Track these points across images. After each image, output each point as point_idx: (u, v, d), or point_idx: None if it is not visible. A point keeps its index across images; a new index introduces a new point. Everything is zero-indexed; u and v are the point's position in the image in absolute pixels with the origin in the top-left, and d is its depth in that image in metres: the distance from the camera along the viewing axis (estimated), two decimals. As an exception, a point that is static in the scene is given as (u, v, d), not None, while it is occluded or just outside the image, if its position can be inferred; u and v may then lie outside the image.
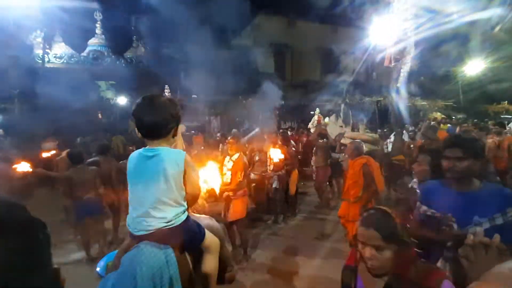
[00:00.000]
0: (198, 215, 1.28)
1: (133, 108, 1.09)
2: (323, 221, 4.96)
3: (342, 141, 5.25)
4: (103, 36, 13.42)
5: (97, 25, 13.47)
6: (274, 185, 4.69)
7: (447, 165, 1.48)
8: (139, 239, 1.07)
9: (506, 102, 16.98)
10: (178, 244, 1.08)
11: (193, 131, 9.85)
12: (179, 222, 1.07)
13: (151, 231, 1.04)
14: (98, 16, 13.35)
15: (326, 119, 7.23)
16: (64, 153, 4.65)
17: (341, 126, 5.61)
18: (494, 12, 12.03)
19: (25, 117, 9.90)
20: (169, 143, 1.13)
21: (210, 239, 1.17)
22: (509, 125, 9.60)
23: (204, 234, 1.15)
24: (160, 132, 1.09)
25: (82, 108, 11.14)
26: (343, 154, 5.03)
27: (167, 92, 5.50)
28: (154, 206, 1.04)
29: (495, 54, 15.71)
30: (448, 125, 10.18)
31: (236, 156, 3.56)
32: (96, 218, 3.76)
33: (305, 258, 3.71)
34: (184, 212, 1.11)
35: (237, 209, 3.44)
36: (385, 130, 7.62)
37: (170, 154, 1.07)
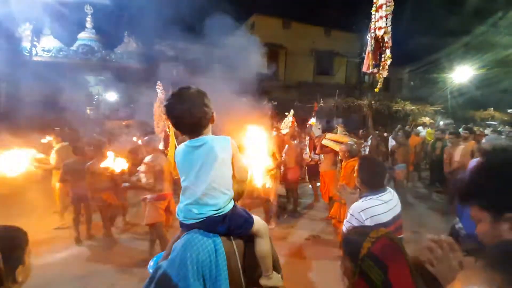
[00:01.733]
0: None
1: (166, 110, 1.09)
2: (313, 222, 4.98)
3: (323, 142, 5.24)
4: (93, 30, 13.11)
5: (88, 19, 13.17)
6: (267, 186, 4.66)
7: None
8: (189, 227, 1.10)
9: (492, 108, 17.48)
10: (227, 232, 1.10)
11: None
12: (228, 210, 1.10)
13: (201, 220, 1.06)
14: (89, 9, 13.05)
15: (312, 120, 7.36)
16: (65, 143, 5.00)
17: (319, 128, 5.72)
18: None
19: (11, 111, 9.58)
20: (210, 131, 1.14)
21: (259, 223, 1.18)
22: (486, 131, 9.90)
23: (253, 219, 1.17)
24: (202, 128, 1.10)
25: (69, 103, 10.87)
26: (322, 156, 5.06)
27: (159, 89, 5.40)
28: (206, 192, 1.06)
29: (481, 61, 16.21)
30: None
31: (148, 158, 3.46)
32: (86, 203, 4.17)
33: (297, 260, 3.71)
34: (231, 199, 1.14)
35: (148, 214, 3.38)
36: (360, 132, 7.81)
37: (218, 140, 1.09)
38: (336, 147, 4.62)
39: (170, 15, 10.43)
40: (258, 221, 1.18)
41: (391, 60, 3.88)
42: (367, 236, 0.96)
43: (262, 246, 1.16)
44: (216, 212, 1.07)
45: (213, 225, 1.07)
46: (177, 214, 1.13)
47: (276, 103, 13.47)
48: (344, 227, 1.89)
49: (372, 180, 1.92)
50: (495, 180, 0.82)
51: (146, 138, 3.94)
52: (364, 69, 4.43)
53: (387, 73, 4.04)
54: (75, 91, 11.09)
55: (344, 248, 1.03)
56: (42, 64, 11.59)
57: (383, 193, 1.88)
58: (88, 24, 13.20)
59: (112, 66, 12.42)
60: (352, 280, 0.96)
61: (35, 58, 11.95)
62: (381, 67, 3.93)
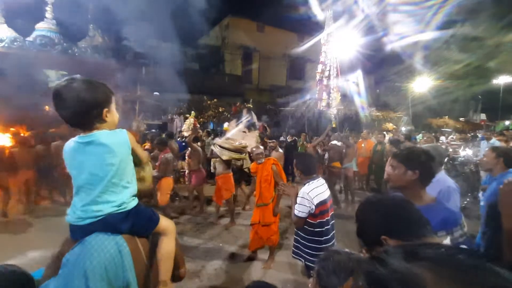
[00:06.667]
0: None
1: (53, 102, 1.00)
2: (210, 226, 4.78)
3: (212, 147, 5.12)
4: (54, 21, 12.13)
5: (48, 8, 12.17)
6: None
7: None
8: (85, 230, 0.97)
9: (447, 116, 19.12)
10: (130, 231, 1.01)
11: (153, 130, 9.41)
12: (132, 206, 1.03)
13: (101, 217, 0.97)
14: (50, -2, 12.05)
15: (225, 125, 7.11)
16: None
17: (244, 132, 5.69)
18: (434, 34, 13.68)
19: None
20: (103, 127, 1.03)
21: (166, 221, 1.14)
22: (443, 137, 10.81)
23: (158, 217, 1.12)
24: (82, 123, 1.01)
25: (25, 99, 9.98)
26: (216, 159, 4.95)
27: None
28: (106, 189, 0.98)
29: (437, 72, 17.71)
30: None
31: None
32: None
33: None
34: (135, 197, 1.08)
35: None
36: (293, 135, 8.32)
37: (112, 135, 1.02)
38: (222, 153, 4.58)
39: (142, 12, 10.03)
40: (165, 219, 1.14)
41: (326, 101, 4.16)
42: (352, 274, 0.88)
43: (167, 245, 1.10)
44: (118, 208, 0.99)
45: (115, 223, 0.98)
46: (69, 218, 1.00)
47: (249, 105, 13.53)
48: (297, 211, 2.26)
49: (309, 169, 2.42)
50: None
51: None
52: (318, 106, 4.81)
53: (332, 111, 4.32)
54: (31, 85, 10.19)
55: (318, 274, 0.95)
56: (-7, 54, 10.48)
57: (318, 179, 2.40)
58: (48, 14, 12.21)
59: (75, 61, 11.61)
60: None
61: (-16, 48, 10.78)
62: (327, 106, 4.24)
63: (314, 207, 2.23)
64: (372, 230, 0.98)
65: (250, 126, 5.88)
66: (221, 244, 4.09)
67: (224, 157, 4.67)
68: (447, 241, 0.97)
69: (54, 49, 11.59)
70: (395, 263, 0.41)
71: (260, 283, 1.49)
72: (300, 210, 2.25)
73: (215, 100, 13.60)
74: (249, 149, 4.53)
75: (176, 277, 1.26)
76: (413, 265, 0.39)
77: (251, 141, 5.09)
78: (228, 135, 5.17)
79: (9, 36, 11.49)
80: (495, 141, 6.90)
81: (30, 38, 11.58)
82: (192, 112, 6.65)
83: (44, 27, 12.07)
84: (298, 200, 2.27)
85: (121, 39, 11.76)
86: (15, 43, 11.42)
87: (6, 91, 8.21)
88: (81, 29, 12.57)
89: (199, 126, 6.42)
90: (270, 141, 5.01)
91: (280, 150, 5.03)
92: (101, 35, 12.40)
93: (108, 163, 0.99)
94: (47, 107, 11.77)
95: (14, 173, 4.97)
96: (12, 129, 7.25)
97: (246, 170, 5.48)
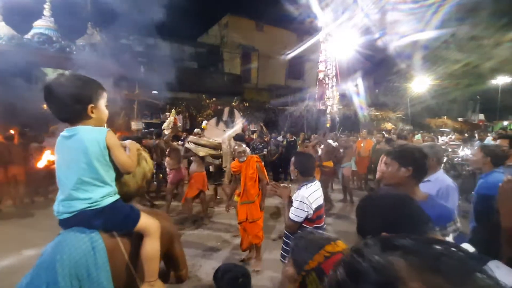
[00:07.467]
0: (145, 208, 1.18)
1: (44, 97, 1.03)
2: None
3: (186, 145, 5.08)
4: (52, 18, 12.04)
5: (46, 6, 12.08)
6: None
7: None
8: (65, 224, 1.00)
9: (445, 117, 19.15)
10: (106, 228, 1.01)
11: (152, 129, 9.38)
12: (106, 204, 1.00)
13: (74, 213, 0.98)
14: (48, -5, 11.96)
15: (204, 123, 6.96)
16: None
17: (224, 130, 5.60)
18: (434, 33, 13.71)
19: None
20: (89, 123, 1.04)
21: (147, 221, 1.07)
22: (443, 137, 10.83)
23: (138, 216, 1.06)
24: (68, 117, 1.03)
25: (22, 97, 9.93)
26: (192, 157, 4.95)
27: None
28: (77, 186, 0.98)
29: (435, 72, 17.73)
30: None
31: None
32: None
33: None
34: (114, 194, 1.04)
35: None
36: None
37: (90, 132, 1.01)
38: (198, 150, 4.58)
39: (141, 10, 9.99)
40: (145, 220, 1.08)
41: (325, 101, 4.18)
42: (321, 249, 0.89)
43: (148, 246, 1.05)
44: (90, 205, 0.98)
45: (87, 219, 0.98)
46: (54, 211, 1.02)
47: (247, 104, 13.54)
48: (293, 215, 2.14)
49: (307, 170, 2.28)
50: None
51: None
52: (318, 106, 4.82)
53: (331, 109, 4.32)
54: (28, 84, 10.15)
55: (292, 251, 0.98)
56: (-10, 52, 10.41)
57: (315, 181, 2.27)
58: (46, 11, 12.12)
59: (73, 59, 11.57)
60: (291, 286, 0.91)
61: (-19, 45, 10.71)
62: (328, 105, 4.26)
63: (312, 212, 2.12)
64: (372, 227, 0.96)
65: (230, 125, 5.85)
66: (219, 243, 4.10)
67: (202, 153, 4.66)
68: (449, 238, 0.97)
69: (52, 47, 11.52)
70: (372, 253, 0.42)
71: (228, 265, 1.59)
72: (297, 214, 2.13)
73: (214, 99, 13.58)
74: (224, 146, 4.54)
75: (177, 278, 1.25)
76: (388, 255, 0.40)
77: (224, 139, 5.14)
78: (225, 135, 5.17)
79: (6, 34, 11.41)
80: (489, 141, 6.90)
81: (28, 36, 11.50)
82: (173, 110, 6.50)
83: (42, 25, 11.99)
84: (296, 204, 2.15)
85: (120, 37, 11.73)
86: (13, 41, 11.34)
87: (4, 89, 8.16)
88: (79, 27, 12.50)
89: (179, 124, 6.32)
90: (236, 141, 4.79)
91: (248, 150, 5.04)
92: (99, 33, 12.34)
93: (81, 159, 0.98)
94: (44, 106, 11.69)
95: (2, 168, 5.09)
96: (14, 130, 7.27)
97: (225, 169, 5.35)
